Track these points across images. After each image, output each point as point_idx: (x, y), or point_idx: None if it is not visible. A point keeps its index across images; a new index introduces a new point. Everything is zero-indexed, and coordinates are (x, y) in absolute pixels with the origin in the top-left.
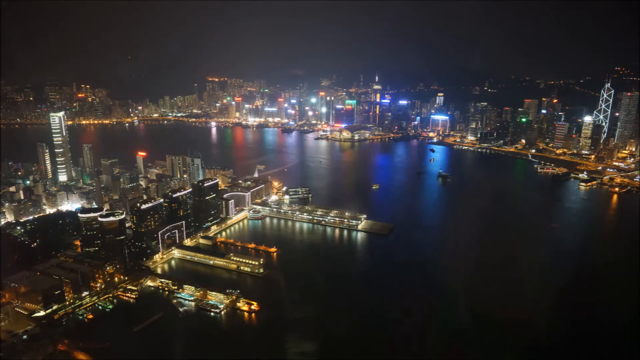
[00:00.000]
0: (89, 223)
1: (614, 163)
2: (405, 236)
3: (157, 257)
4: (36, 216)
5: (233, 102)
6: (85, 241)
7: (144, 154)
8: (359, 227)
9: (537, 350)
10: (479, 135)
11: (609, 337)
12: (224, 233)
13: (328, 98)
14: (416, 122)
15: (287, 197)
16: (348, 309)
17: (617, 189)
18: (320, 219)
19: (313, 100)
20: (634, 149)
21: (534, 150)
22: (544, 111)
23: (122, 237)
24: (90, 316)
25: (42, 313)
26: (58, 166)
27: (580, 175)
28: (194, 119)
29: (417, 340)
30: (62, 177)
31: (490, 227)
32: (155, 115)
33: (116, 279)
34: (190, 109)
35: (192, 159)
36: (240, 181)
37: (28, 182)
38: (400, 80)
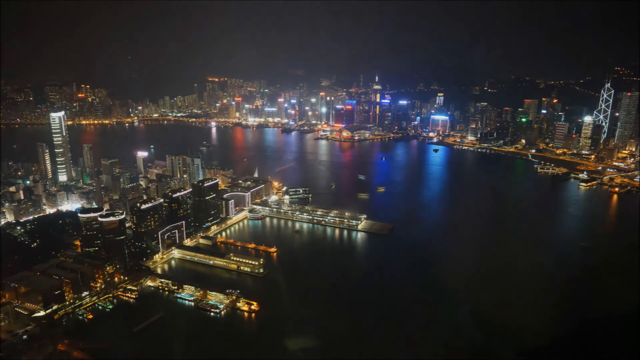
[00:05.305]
0: (89, 223)
1: (614, 163)
2: (405, 236)
3: (157, 257)
4: (36, 216)
5: (233, 102)
6: (85, 241)
7: (144, 154)
8: (359, 227)
9: (537, 350)
10: (479, 135)
11: (609, 338)
12: (224, 233)
13: (328, 98)
14: (416, 122)
15: (287, 197)
16: (348, 309)
17: (617, 189)
18: (320, 219)
19: (313, 100)
20: (634, 149)
21: (534, 150)
22: (544, 111)
23: (122, 237)
24: (90, 316)
25: (42, 313)
26: (58, 166)
27: (580, 175)
28: (194, 119)
29: (417, 340)
30: (62, 177)
31: (490, 227)
32: (155, 115)
33: (116, 279)
34: (190, 109)
35: (192, 159)
36: (240, 181)
37: (28, 182)
38: (401, 80)
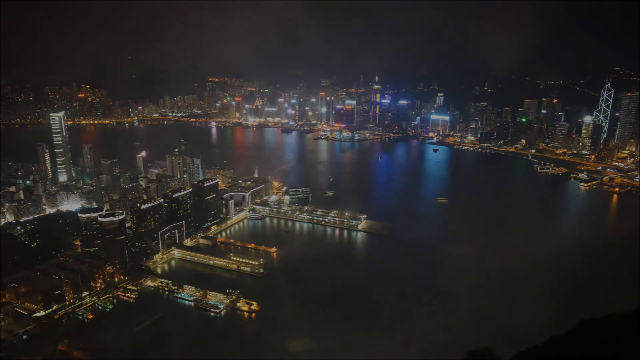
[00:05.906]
0: (89, 223)
1: (614, 163)
2: (405, 236)
3: (157, 257)
4: (36, 216)
5: (233, 102)
6: (85, 241)
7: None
8: (359, 227)
9: (537, 350)
10: (479, 135)
11: (609, 338)
12: (224, 233)
13: (328, 98)
14: (416, 122)
15: (287, 197)
16: (348, 308)
17: (617, 189)
18: (320, 219)
19: (313, 100)
20: (634, 149)
21: (534, 151)
22: (544, 111)
23: (122, 237)
24: (90, 316)
25: (42, 313)
26: (58, 166)
27: (580, 175)
28: (194, 119)
29: (417, 340)
30: (62, 177)
31: (490, 227)
32: (155, 115)
33: (116, 279)
34: (190, 109)
35: (192, 159)
36: (240, 181)
37: (28, 182)
38: (400, 80)
